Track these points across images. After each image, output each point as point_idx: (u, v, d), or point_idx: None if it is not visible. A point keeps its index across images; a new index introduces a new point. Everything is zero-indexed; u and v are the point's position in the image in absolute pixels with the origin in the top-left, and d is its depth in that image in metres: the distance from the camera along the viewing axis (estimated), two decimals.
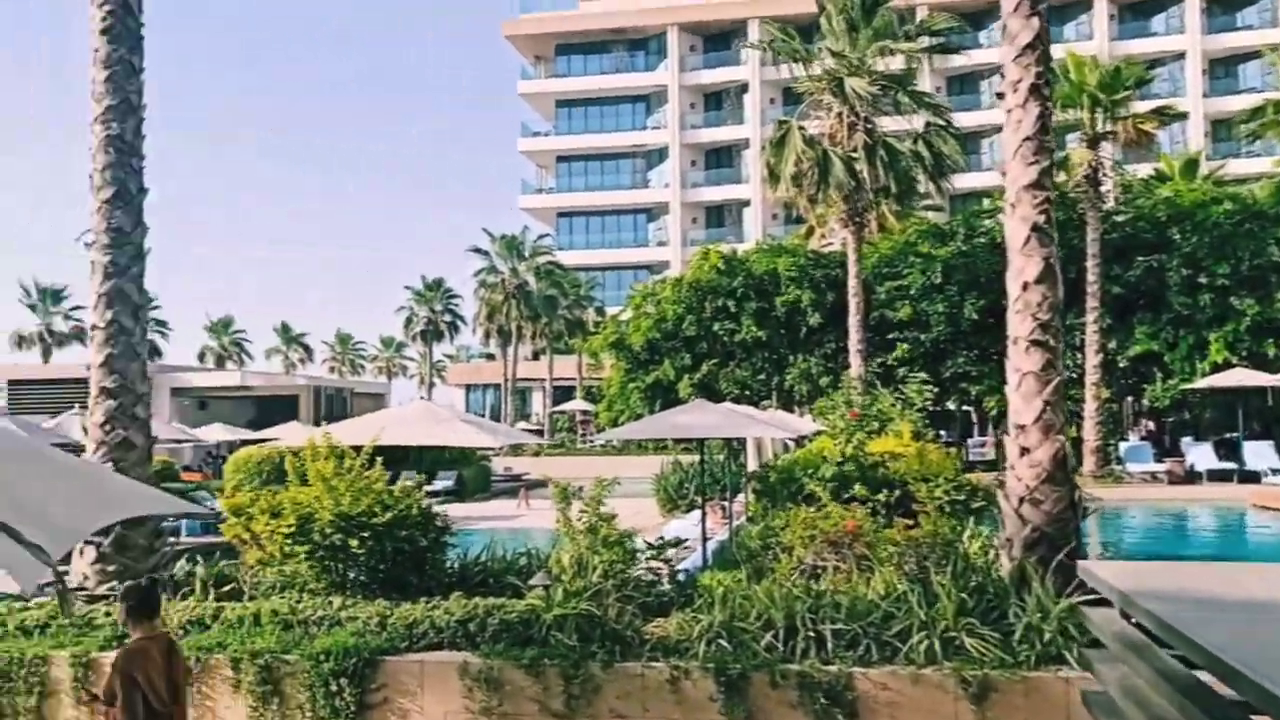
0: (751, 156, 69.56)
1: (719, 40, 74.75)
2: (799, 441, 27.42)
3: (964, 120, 59.35)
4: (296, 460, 10.28)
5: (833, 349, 34.87)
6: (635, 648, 8.94)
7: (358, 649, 8.81)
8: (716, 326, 35.34)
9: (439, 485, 42.97)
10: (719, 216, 75.95)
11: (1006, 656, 8.38)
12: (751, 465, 23.27)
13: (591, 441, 61.40)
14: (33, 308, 70.43)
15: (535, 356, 74.43)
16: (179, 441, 33.35)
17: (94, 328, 10.74)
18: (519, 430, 20.47)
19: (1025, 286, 9.63)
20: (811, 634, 8.75)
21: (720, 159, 76.29)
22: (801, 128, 31.06)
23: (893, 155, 30.77)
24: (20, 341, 69.40)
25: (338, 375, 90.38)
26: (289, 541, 9.69)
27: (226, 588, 10.30)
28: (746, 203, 73.08)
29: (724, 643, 8.82)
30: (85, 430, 27.14)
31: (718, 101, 76.38)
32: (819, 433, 20.82)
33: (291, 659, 8.87)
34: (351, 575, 9.88)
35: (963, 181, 47.87)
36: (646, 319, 36.08)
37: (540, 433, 66.56)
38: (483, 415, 74.76)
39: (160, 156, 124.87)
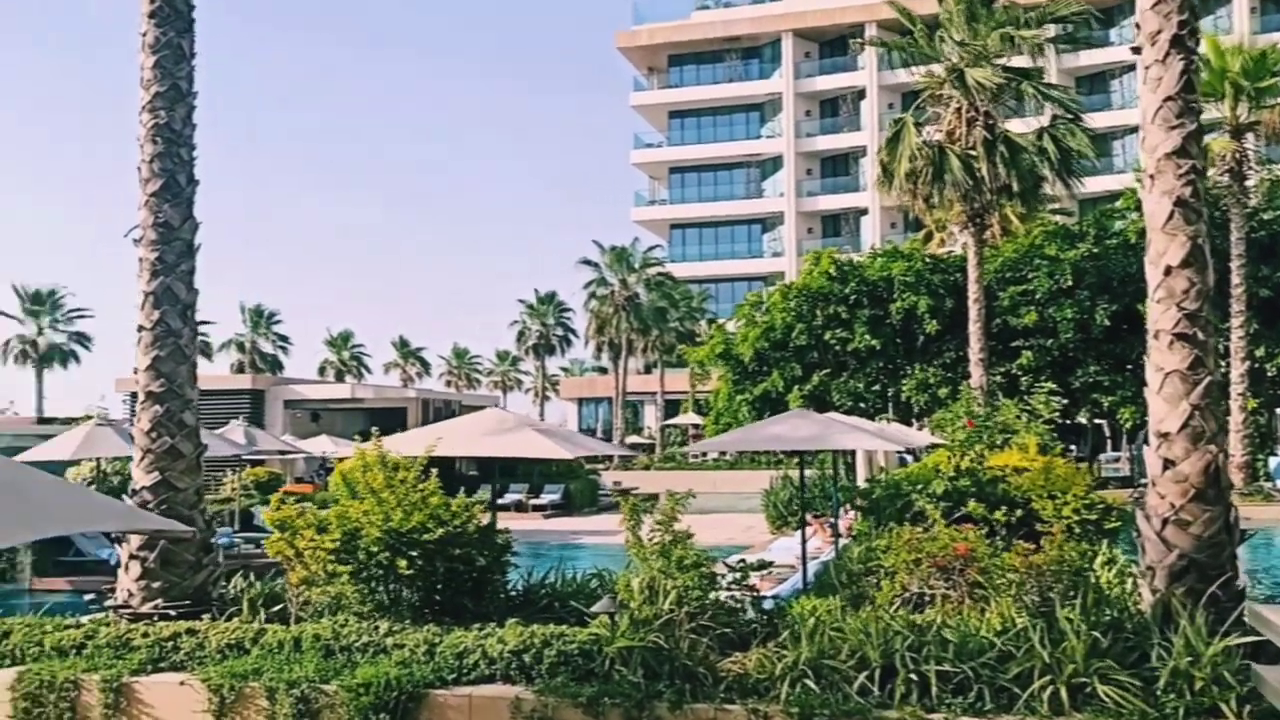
0: (869, 164, 67.65)
1: (834, 46, 73.13)
2: (915, 456, 25.90)
3: (1095, 121, 56.71)
4: (347, 473, 9.48)
5: (952, 358, 33.10)
6: (709, 687, 7.83)
7: (400, 681, 7.91)
8: (828, 335, 33.89)
9: (545, 499, 42.60)
10: (835, 226, 74.28)
11: (1149, 709, 7.02)
12: (861, 480, 21.90)
13: (700, 455, 60.40)
14: None
15: (647, 370, 73.73)
16: (284, 453, 33.35)
17: (140, 328, 10.15)
18: (598, 442, 19.53)
19: (1168, 271, 8.24)
20: (913, 675, 7.52)
21: (836, 167, 74.68)
22: (917, 124, 29.53)
23: (1014, 152, 28.93)
24: None
25: (454, 389, 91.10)
26: (332, 560, 8.88)
27: (276, 607, 9.56)
28: (864, 211, 71.27)
29: (810, 683, 7.65)
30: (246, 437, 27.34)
31: (833, 108, 74.84)
32: (935, 446, 19.38)
33: (330, 690, 8.03)
34: (404, 597, 9.00)
35: (1094, 184, 45.44)
36: (755, 328, 34.82)
37: (651, 447, 65.79)
38: (594, 429, 74.41)
39: (278, 171, 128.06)
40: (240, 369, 71.45)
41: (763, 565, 9.48)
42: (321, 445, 34.71)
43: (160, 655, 8.76)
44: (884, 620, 8.11)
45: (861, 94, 71.37)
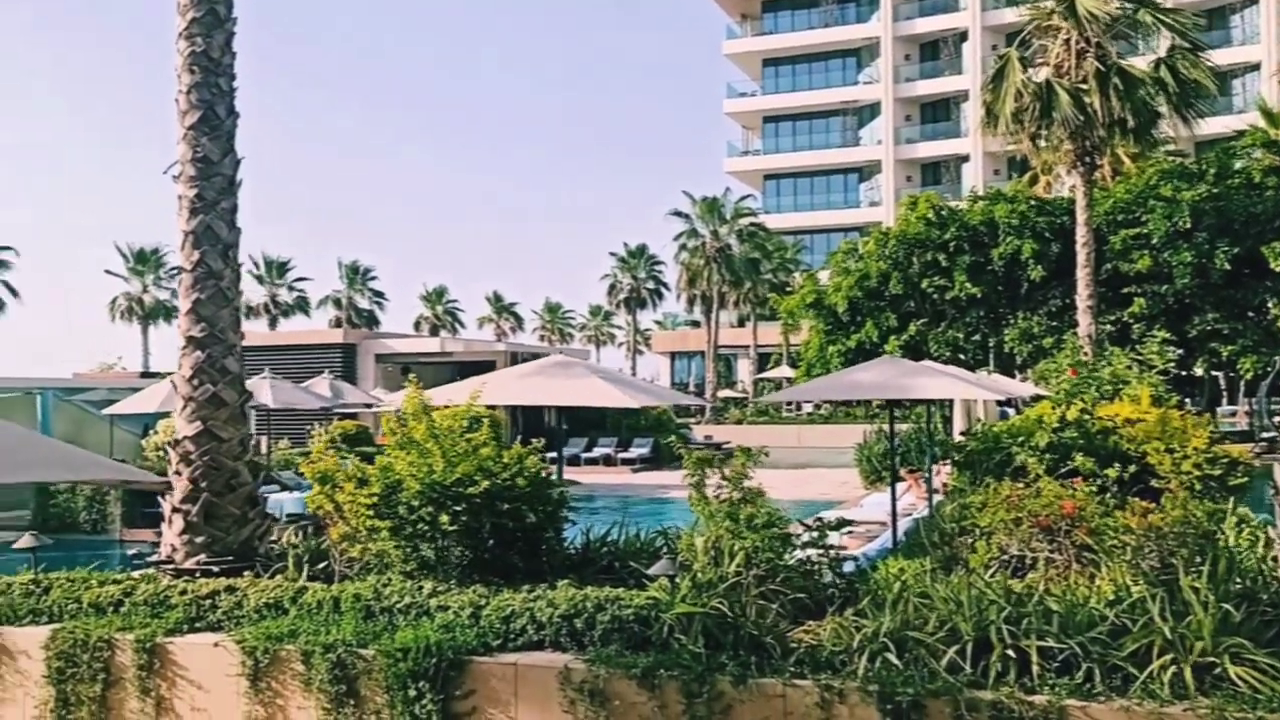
0: (971, 108, 65.10)
1: None
2: (1016, 409, 24.54)
3: (1214, 59, 53.19)
4: (394, 423, 8.84)
5: (1058, 306, 31.36)
6: (777, 659, 7.02)
7: (441, 647, 7.28)
8: (925, 283, 32.36)
9: (634, 453, 42.07)
10: (935, 174, 72.00)
11: None
12: (958, 434, 20.74)
13: (794, 410, 59.26)
14: (260, 279, 73.88)
15: (740, 323, 72.67)
16: (368, 406, 33.29)
17: (180, 270, 9.62)
18: (667, 390, 18.67)
19: None
20: (1010, 651, 6.61)
21: (936, 113, 72.22)
22: (1023, 59, 27.78)
23: (1129, 84, 26.97)
24: (249, 312, 72.96)
25: (547, 344, 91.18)
26: (371, 515, 8.26)
27: (322, 565, 9.01)
28: (965, 158, 68.85)
29: (892, 657, 6.78)
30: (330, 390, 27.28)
31: (934, 52, 72.26)
32: (1039, 399, 18.16)
33: (368, 654, 7.43)
34: (449, 555, 8.35)
35: (1213, 125, 42.69)
36: (848, 277, 33.45)
37: (744, 401, 64.87)
38: (687, 384, 73.73)
39: (376, 125, 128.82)
40: (337, 324, 72.29)
41: (841, 524, 8.60)
42: (402, 398, 34.61)
43: (197, 614, 8.28)
44: (978, 587, 7.19)
45: (964, 36, 68.66)
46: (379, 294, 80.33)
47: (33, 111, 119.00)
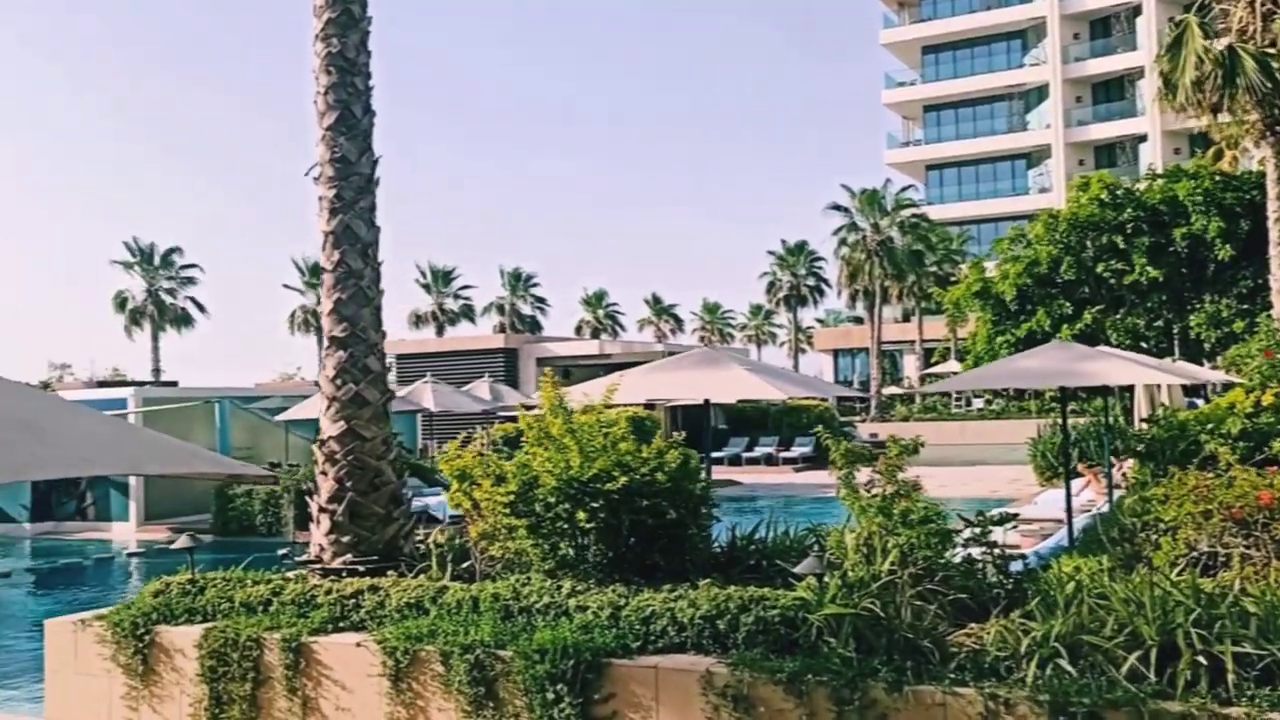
0: (1147, 85, 61.70)
1: None
2: (1205, 399, 22.88)
3: None
4: (531, 420, 8.65)
5: (1249, 288, 29.18)
6: (936, 665, 6.49)
7: (578, 648, 7.02)
8: (1101, 267, 30.57)
9: (795, 452, 41.35)
10: (1109, 156, 68.65)
11: None
12: (1140, 425, 19.42)
13: (963, 405, 57.26)
14: (426, 288, 76.16)
15: (905, 318, 70.91)
16: (528, 409, 33.67)
17: (322, 270, 9.70)
18: (818, 380, 18.00)
19: None
20: (1201, 657, 5.91)
21: (1110, 92, 68.96)
22: (1203, 25, 25.94)
23: None
24: (417, 320, 75.30)
25: (707, 345, 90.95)
26: (507, 512, 8.08)
27: (465, 564, 8.91)
28: (1143, 138, 65.44)
29: (1064, 663, 6.16)
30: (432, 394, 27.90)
31: (1105, 28, 68.99)
32: (1231, 387, 16.82)
33: (506, 655, 7.24)
34: (588, 553, 8.10)
35: None
36: (1016, 263, 31.90)
37: (911, 398, 63.17)
38: (851, 381, 72.32)
39: (530, 139, 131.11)
40: (501, 330, 73.85)
41: (1006, 518, 7.97)
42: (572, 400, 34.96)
43: (342, 614, 8.27)
44: (1162, 587, 6.48)
45: (1137, 10, 65.23)
46: (541, 300, 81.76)
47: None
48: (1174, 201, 30.33)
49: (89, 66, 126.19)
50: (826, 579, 7.08)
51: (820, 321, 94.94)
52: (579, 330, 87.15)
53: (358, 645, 7.85)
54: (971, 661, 6.43)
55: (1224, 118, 29.92)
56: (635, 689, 6.99)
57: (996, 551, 7.84)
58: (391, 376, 49.61)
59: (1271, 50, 25.09)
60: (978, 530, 7.81)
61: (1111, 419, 18.67)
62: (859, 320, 74.67)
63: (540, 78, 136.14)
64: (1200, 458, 10.53)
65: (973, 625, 6.85)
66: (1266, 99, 25.40)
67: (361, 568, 9.09)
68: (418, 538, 9.96)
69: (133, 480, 24.50)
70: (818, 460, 39.55)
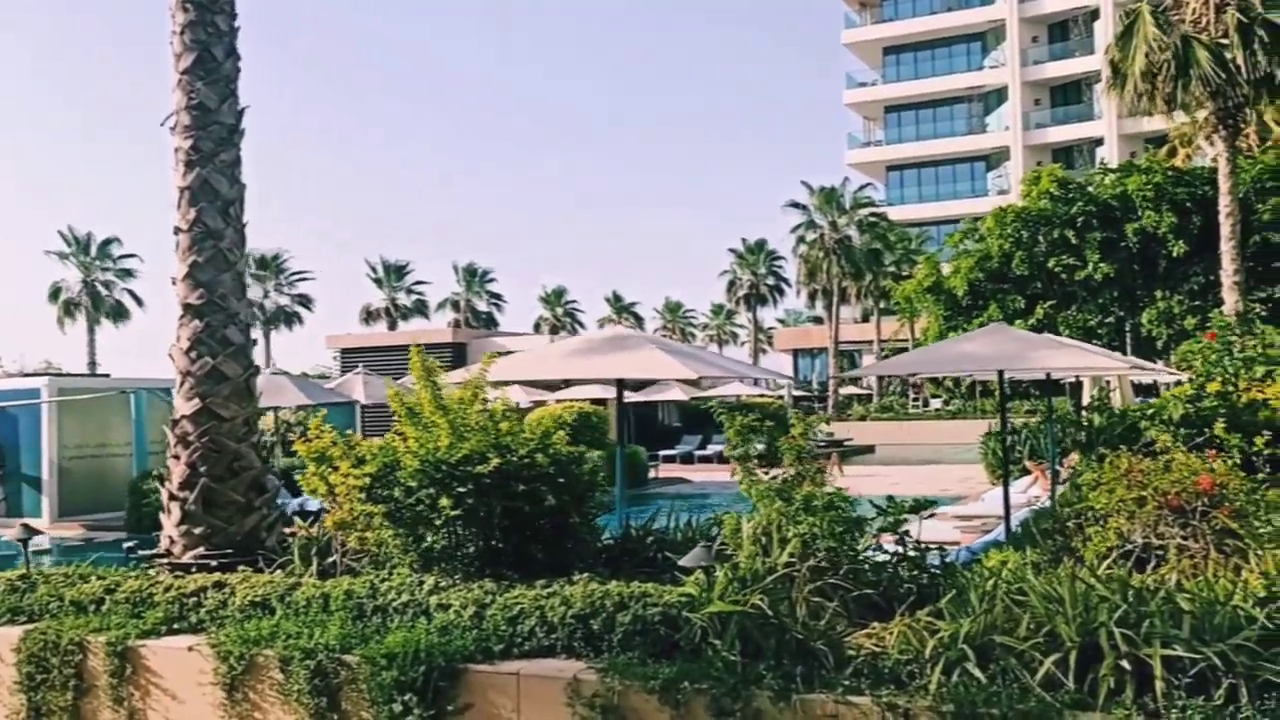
0: (1104, 89, 61.74)
1: None
2: (1157, 394, 22.34)
3: None
4: (400, 395, 7.75)
5: (1200, 284, 28.78)
6: (830, 670, 5.69)
7: (432, 652, 6.16)
8: (1052, 262, 30.08)
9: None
10: (1067, 158, 68.57)
11: None
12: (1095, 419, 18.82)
13: (920, 405, 56.86)
14: (379, 283, 74.90)
15: (864, 318, 70.53)
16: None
17: (176, 230, 8.75)
18: (738, 363, 17.20)
19: None
20: (1127, 661, 5.15)
21: (1067, 95, 69.04)
22: (1157, 14, 25.47)
23: (1276, 35, 24.48)
24: (368, 316, 74.03)
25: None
26: (364, 498, 7.21)
27: (332, 558, 8.01)
28: (1099, 141, 65.52)
29: (973, 668, 5.38)
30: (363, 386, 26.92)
31: (1063, 32, 69.12)
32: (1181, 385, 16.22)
33: (353, 661, 6.37)
34: (459, 545, 7.23)
35: None
36: (967, 258, 31.37)
37: (869, 398, 62.75)
38: (810, 381, 71.82)
39: (496, 131, 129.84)
40: (456, 326, 72.74)
41: (920, 506, 7.17)
42: (514, 395, 34.04)
43: (180, 614, 7.34)
44: (1085, 581, 5.72)
45: (1095, 14, 65.33)
46: (497, 296, 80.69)
47: None
48: (1125, 197, 29.92)
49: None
50: (717, 573, 6.26)
51: (781, 321, 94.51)
52: (538, 328, 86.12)
53: (190, 649, 6.93)
54: (870, 666, 5.63)
55: (1179, 116, 29.61)
56: (494, 698, 6.13)
57: (911, 543, 7.05)
58: (335, 371, 48.43)
59: (1225, 42, 24.65)
60: (890, 519, 7.01)
61: (1059, 413, 18.01)
62: (819, 320, 74.26)
63: (510, 74, 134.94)
64: (1140, 445, 9.83)
65: (875, 625, 6.06)
66: (1220, 91, 24.97)
67: (214, 562, 8.17)
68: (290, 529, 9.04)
69: (46, 475, 23.34)
70: (771, 458, 38.88)
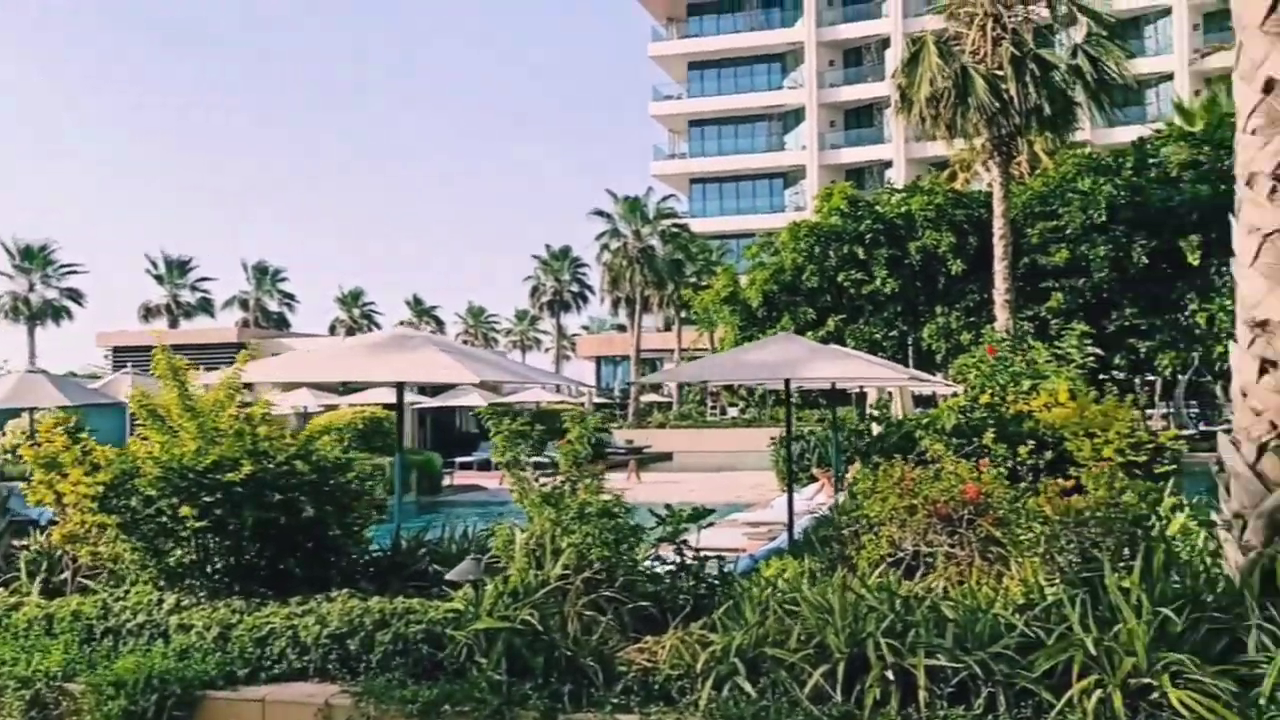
0: (893, 114, 64.60)
1: None
2: (936, 406, 23.33)
3: (1128, 2, 53.70)
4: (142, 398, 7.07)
5: (976, 301, 30.37)
6: (600, 687, 5.46)
7: (167, 678, 5.59)
8: (842, 277, 31.17)
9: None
10: (859, 179, 71.41)
11: None
12: (876, 428, 19.45)
13: (718, 413, 58.01)
14: (159, 279, 70.83)
15: (666, 326, 71.40)
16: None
17: None
18: (520, 365, 17.06)
19: (1269, 86, 5.67)
20: (892, 671, 5.12)
21: (860, 119, 71.81)
22: (941, 45, 26.74)
23: (1045, 70, 26.11)
24: (147, 313, 69.93)
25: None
26: (97, 508, 6.55)
27: (63, 575, 7.24)
28: (889, 164, 68.43)
29: (743, 682, 5.26)
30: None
31: (858, 58, 71.86)
32: (955, 396, 16.92)
33: (77, 690, 5.72)
34: (207, 559, 6.64)
35: (1125, 134, 42.49)
36: (763, 270, 32.14)
37: (669, 405, 63.54)
38: (612, 388, 72.20)
39: (284, 122, 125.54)
40: (244, 326, 69.53)
41: (698, 515, 7.04)
42: (302, 399, 32.57)
43: None
44: (855, 591, 5.69)
45: (886, 42, 68.27)
46: (289, 296, 77.61)
47: None
48: (909, 216, 31.28)
49: None
50: (485, 587, 5.94)
51: (585, 328, 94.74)
52: (333, 330, 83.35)
53: None
54: (641, 682, 5.44)
55: (960, 142, 31.22)
56: None
57: (690, 553, 6.92)
58: (108, 370, 45.35)
59: (1000, 74, 26.09)
60: (669, 529, 6.86)
61: (845, 421, 18.50)
62: (622, 328, 74.73)
63: (329, 80, 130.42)
64: (915, 454, 10.09)
65: (649, 639, 5.87)
66: (995, 118, 26.41)
67: None
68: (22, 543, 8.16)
69: None
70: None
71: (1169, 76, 57.78)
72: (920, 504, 6.90)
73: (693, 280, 63.30)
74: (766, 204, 73.13)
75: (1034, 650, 5.16)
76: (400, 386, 9.74)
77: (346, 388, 34.58)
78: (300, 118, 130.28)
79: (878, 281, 30.86)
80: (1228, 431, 6.01)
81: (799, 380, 13.54)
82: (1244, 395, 5.86)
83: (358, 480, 7.12)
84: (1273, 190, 5.64)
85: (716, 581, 6.83)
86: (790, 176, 72.32)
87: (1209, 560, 6.01)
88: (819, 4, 69.62)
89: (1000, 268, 26.90)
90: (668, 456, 44.35)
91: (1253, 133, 5.80)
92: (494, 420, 7.13)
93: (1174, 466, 10.41)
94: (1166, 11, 59.59)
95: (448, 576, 6.07)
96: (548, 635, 5.63)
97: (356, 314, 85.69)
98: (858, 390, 27.00)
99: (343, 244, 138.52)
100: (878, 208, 31.86)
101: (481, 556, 6.37)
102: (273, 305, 76.46)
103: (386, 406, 32.10)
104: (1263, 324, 5.69)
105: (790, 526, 11.55)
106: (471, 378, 8.77)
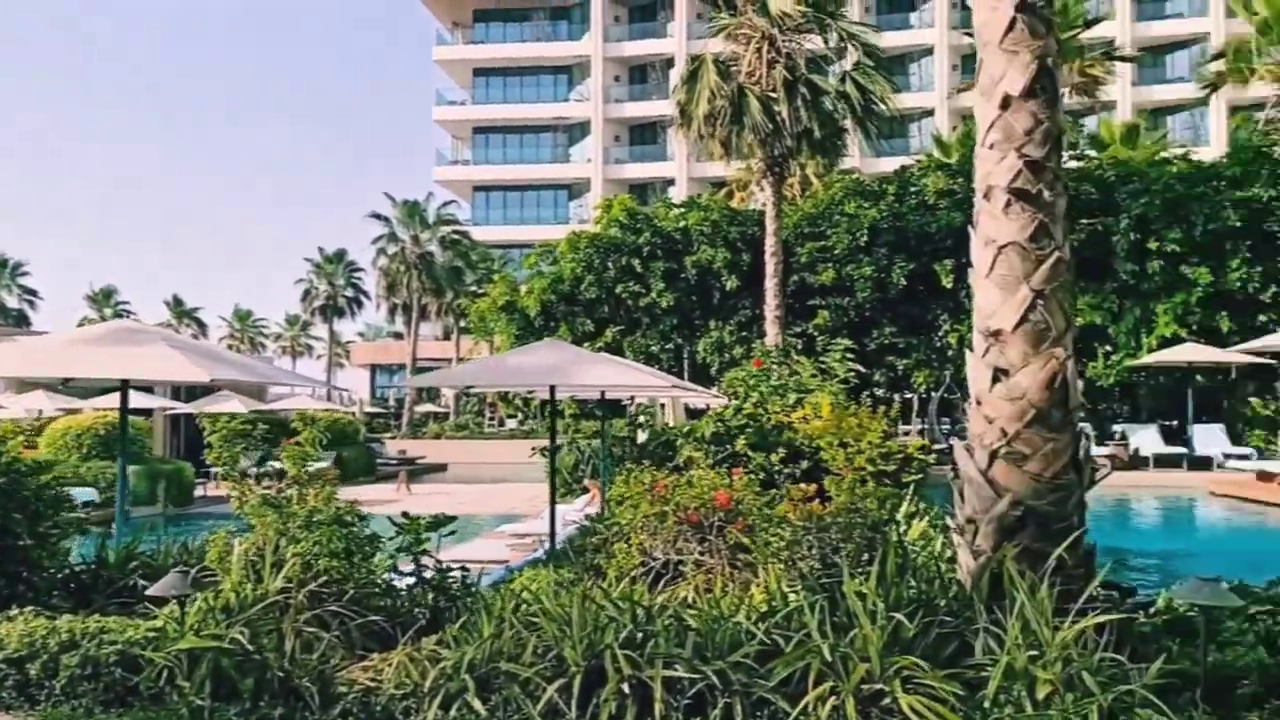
0: (675, 130, 65.87)
1: (645, 11, 71.28)
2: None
3: (894, 40, 57.12)
4: None
5: (748, 316, 31.20)
6: (316, 710, 5.00)
7: None
8: (620, 288, 31.39)
9: (312, 467, 38.72)
10: (643, 195, 72.48)
11: None
12: (643, 435, 19.52)
13: (495, 424, 57.38)
14: None
15: (445, 335, 70.19)
16: None
17: None
18: (258, 363, 16.34)
19: (1006, 102, 5.84)
20: (629, 683, 4.90)
21: (644, 135, 72.89)
22: (719, 63, 27.35)
23: (816, 94, 27.12)
24: None
25: (235, 353, 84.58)
26: None
27: None
28: (672, 181, 69.70)
29: (473, 700, 4.92)
30: None
31: (643, 75, 72.95)
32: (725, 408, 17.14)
33: None
34: None
35: (890, 164, 44.61)
36: (541, 279, 31.97)
37: (446, 415, 62.39)
38: (387, 398, 70.33)
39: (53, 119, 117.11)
40: None
41: (438, 523, 6.66)
42: (37, 401, 30.02)
43: None
44: (596, 602, 5.46)
45: (670, 62, 69.58)
46: (31, 291, 71.82)
47: None
48: (686, 231, 31.82)
49: None
50: (191, 603, 5.37)
51: (360, 335, 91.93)
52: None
53: None
54: (362, 703, 5.01)
55: (738, 162, 32.04)
56: None
57: (431, 564, 6.53)
58: None
59: (774, 96, 26.88)
60: (409, 538, 6.45)
61: (613, 431, 18.44)
62: (399, 336, 72.97)
63: (99, 69, 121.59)
64: (675, 463, 10.04)
65: (375, 656, 5.45)
66: (769, 139, 27.19)
67: None
68: None
69: None
70: (343, 474, 37.33)
71: (930, 112, 61.45)
72: (671, 511, 6.77)
73: (473, 288, 62.47)
74: (551, 215, 73.04)
75: (774, 658, 5.07)
76: (125, 385, 8.90)
77: (74, 386, 32.07)
78: (73, 110, 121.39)
79: (654, 294, 31.22)
80: (964, 439, 6.14)
81: (568, 387, 13.34)
82: (978, 403, 6.00)
83: (56, 486, 6.37)
84: (1007, 204, 5.80)
85: (459, 594, 6.47)
86: (575, 189, 72.56)
87: (943, 565, 6.12)
88: (606, 20, 70.24)
89: (771, 284, 27.70)
90: (442, 468, 43.45)
91: (991, 147, 5.95)
92: (207, 420, 6.52)
93: (921, 476, 10.79)
94: (929, 51, 63.42)
95: (149, 591, 5.46)
96: (260, 654, 5.12)
97: (109, 313, 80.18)
98: (629, 401, 27.19)
99: (104, 244, 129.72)
100: (656, 221, 32.24)
101: (189, 569, 5.77)
102: (12, 301, 70.55)
103: (134, 411, 30.04)
104: (996, 333, 5.84)
105: (552, 536, 11.30)
106: (202, 375, 8.08)
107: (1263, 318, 28.30)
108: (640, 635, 5.15)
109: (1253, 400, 29.39)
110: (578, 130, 72.04)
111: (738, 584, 6.38)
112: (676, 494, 6.94)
